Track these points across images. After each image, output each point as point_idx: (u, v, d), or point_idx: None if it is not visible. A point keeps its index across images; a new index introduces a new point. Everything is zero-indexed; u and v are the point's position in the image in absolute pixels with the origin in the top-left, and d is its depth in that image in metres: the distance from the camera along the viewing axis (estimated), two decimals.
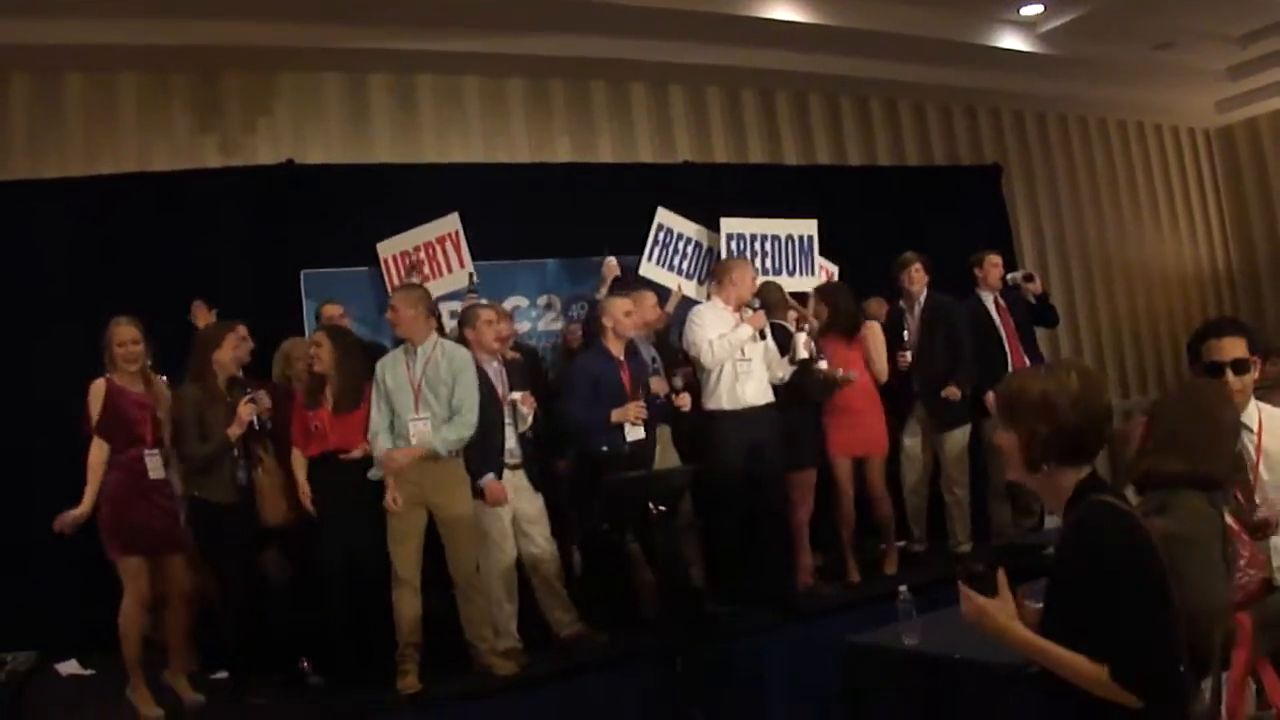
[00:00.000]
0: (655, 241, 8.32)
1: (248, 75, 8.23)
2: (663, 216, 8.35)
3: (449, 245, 7.86)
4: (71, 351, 6.64)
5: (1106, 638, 2.74)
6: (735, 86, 10.00)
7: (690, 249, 8.49)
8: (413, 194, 8.27)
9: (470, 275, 7.69)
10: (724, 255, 8.37)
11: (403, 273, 7.88)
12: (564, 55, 8.84)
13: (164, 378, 6.21)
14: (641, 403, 6.76)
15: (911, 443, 8.21)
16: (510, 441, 6.68)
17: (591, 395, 6.78)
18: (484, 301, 7.40)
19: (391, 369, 6.29)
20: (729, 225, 8.53)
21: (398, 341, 6.45)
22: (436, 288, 7.70)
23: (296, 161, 8.17)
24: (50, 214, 7.39)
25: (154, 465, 5.98)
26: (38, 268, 7.34)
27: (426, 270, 7.86)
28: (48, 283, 7.35)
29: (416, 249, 7.90)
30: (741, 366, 7.11)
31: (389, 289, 7.72)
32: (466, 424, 6.19)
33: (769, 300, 7.61)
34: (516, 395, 6.69)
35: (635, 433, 6.75)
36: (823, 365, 7.36)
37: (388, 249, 7.99)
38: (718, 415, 7.18)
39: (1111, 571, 2.78)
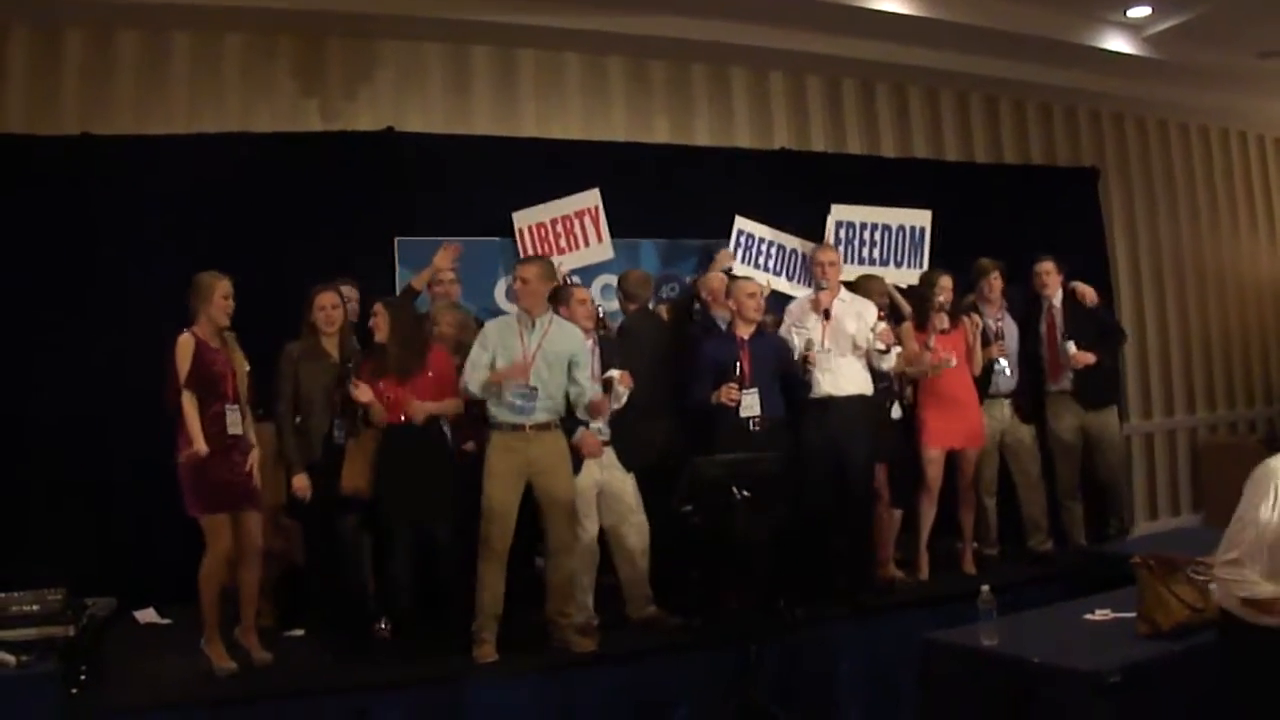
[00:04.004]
0: (738, 245, 8.30)
1: (351, 41, 8.26)
2: (741, 224, 8.31)
3: (588, 220, 7.99)
4: (163, 308, 6.73)
5: None
6: (836, 76, 9.91)
7: (773, 250, 8.47)
8: (510, 167, 8.32)
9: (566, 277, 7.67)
10: (830, 240, 8.44)
11: (537, 244, 8.00)
12: (665, 36, 8.78)
13: (233, 333, 6.26)
14: (732, 385, 6.75)
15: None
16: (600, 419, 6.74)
17: (716, 380, 6.85)
18: (577, 280, 7.54)
19: (504, 338, 6.37)
20: (839, 212, 8.59)
21: (494, 312, 6.53)
22: (570, 260, 7.88)
23: (396, 129, 8.19)
24: (153, 169, 7.47)
25: (233, 420, 6.04)
26: (138, 222, 7.43)
27: (563, 243, 7.97)
28: (146, 237, 7.42)
29: (554, 221, 8.01)
30: (820, 358, 7.11)
31: (521, 257, 7.79)
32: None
33: (865, 292, 7.62)
34: (615, 373, 6.71)
35: (748, 409, 6.80)
36: (889, 361, 7.34)
37: (524, 219, 8.08)
38: (801, 405, 7.20)
39: None
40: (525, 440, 6.26)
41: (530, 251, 7.89)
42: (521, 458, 6.25)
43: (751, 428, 6.77)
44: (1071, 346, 8.10)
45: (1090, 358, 8.14)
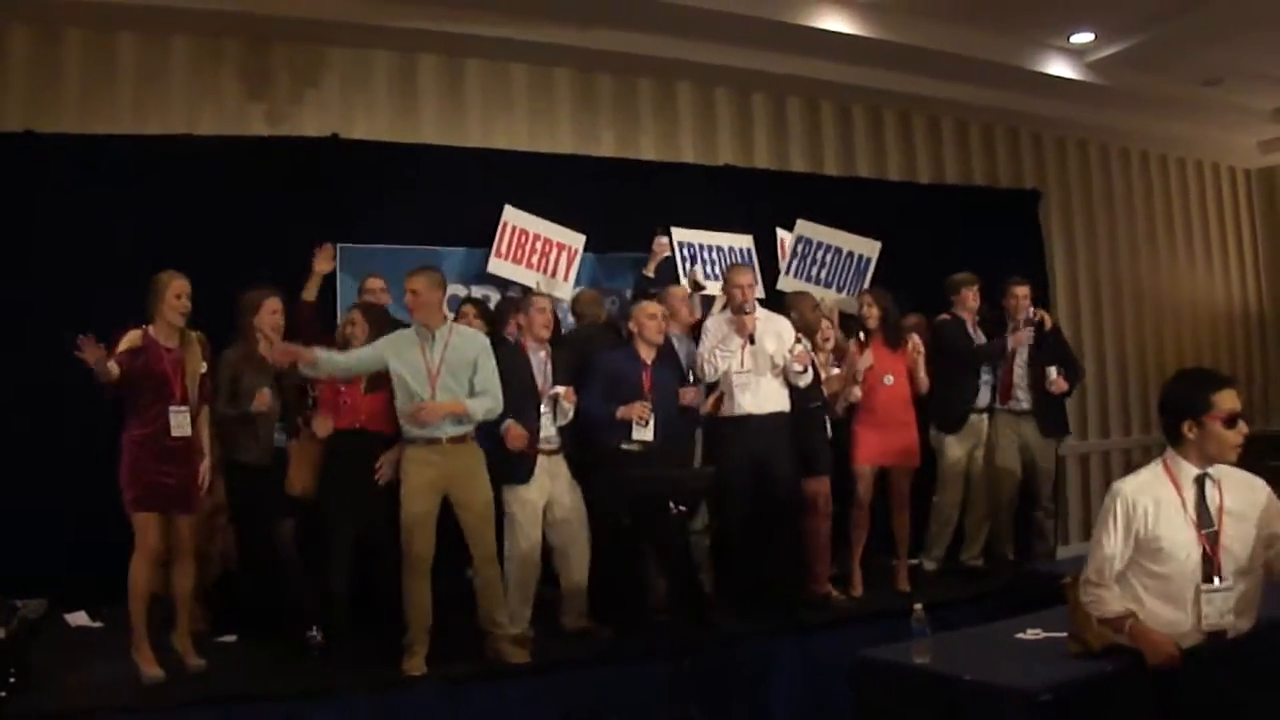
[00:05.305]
0: (682, 259, 8.38)
1: (298, 46, 8.22)
2: (679, 234, 8.39)
3: (564, 257, 8.19)
4: (104, 306, 6.67)
5: None
6: (780, 93, 9.98)
7: (714, 255, 8.53)
8: (455, 176, 8.31)
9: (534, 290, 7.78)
10: (788, 253, 8.72)
11: (513, 246, 8.03)
12: (612, 50, 8.82)
13: (197, 333, 6.22)
14: (646, 403, 6.75)
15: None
16: (548, 430, 6.72)
17: (608, 393, 6.80)
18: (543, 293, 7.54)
19: (404, 352, 6.28)
20: (803, 228, 8.77)
21: None
22: (531, 279, 8.00)
23: (341, 136, 8.15)
24: (96, 169, 7.40)
25: (178, 422, 5.95)
26: (80, 221, 7.33)
27: (534, 259, 8.08)
28: (87, 236, 7.33)
29: (537, 236, 8.10)
30: (738, 379, 7.17)
31: (495, 250, 7.93)
32: (496, 400, 6.29)
33: (797, 307, 7.68)
34: (560, 389, 6.69)
35: (642, 433, 6.75)
36: (805, 379, 7.33)
37: (514, 217, 8.09)
38: (721, 423, 7.26)
39: None
40: (442, 453, 6.21)
41: (504, 247, 7.98)
42: (438, 471, 6.20)
43: (628, 449, 6.76)
44: (1053, 372, 8.26)
45: (1065, 386, 8.33)
